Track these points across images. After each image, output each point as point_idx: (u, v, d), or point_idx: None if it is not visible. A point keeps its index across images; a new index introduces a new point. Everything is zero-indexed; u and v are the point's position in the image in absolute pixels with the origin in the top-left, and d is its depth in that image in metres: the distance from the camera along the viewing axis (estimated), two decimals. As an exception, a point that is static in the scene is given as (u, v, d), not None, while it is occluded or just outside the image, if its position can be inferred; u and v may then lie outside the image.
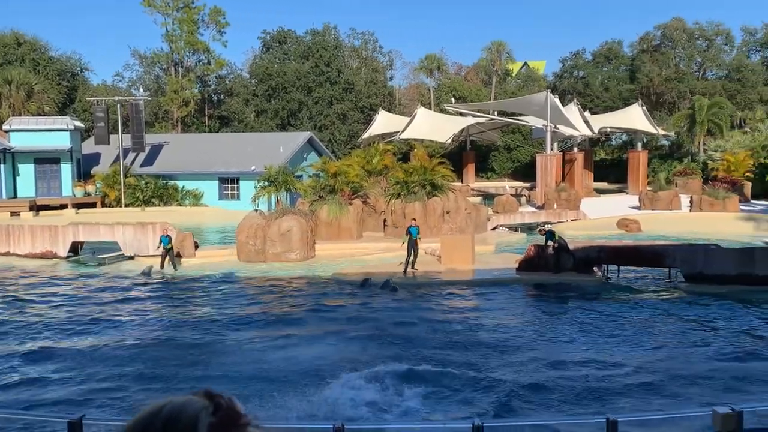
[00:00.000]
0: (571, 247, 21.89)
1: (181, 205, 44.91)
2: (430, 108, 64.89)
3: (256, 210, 27.32)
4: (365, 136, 58.27)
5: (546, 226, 23.09)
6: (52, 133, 43.92)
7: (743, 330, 15.41)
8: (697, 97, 57.42)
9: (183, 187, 45.90)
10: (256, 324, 16.29)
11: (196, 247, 26.73)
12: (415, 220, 24.75)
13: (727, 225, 33.03)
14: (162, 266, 24.20)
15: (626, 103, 61.85)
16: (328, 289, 20.67)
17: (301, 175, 38.34)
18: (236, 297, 19.64)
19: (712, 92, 61.17)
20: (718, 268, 20.32)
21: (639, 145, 54.62)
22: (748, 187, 43.45)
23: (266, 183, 30.08)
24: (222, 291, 20.58)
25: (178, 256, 25.12)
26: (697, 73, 67.15)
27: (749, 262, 20.25)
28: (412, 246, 22.67)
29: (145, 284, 22.04)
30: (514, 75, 78.20)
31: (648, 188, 44.66)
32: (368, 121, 62.84)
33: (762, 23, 68.65)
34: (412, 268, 22.70)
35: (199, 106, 68.19)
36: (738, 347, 13.93)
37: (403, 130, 54.97)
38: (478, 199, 47.50)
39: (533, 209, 41.79)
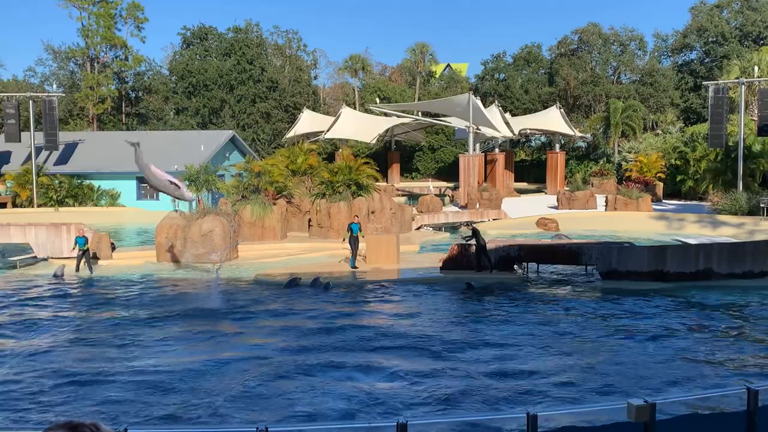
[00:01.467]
0: (492, 246, 22.30)
1: (97, 206, 43.40)
2: (355, 108, 64.93)
3: (176, 210, 26.64)
4: (289, 135, 57.78)
5: (471, 224, 23.54)
6: (-44, 130, 41.66)
7: (657, 325, 16.03)
8: (612, 100, 59.61)
9: (99, 186, 44.36)
10: (162, 327, 15.86)
11: (113, 248, 25.90)
12: (357, 216, 25.27)
13: (641, 224, 34.35)
14: (77, 268, 23.29)
15: (545, 105, 63.61)
16: (250, 291, 20.32)
17: (223, 175, 37.70)
18: (150, 300, 19.03)
19: (626, 95, 63.60)
20: (632, 265, 21.10)
21: (557, 146, 56.21)
22: (660, 187, 45.34)
23: (187, 182, 29.40)
24: (137, 294, 19.93)
25: (95, 258, 24.24)
26: (612, 76, 69.65)
27: (661, 260, 21.12)
28: (354, 241, 23.21)
29: (57, 287, 21.12)
30: (437, 76, 79.20)
31: (566, 188, 46.03)
32: (292, 120, 62.34)
33: (673, 30, 71.87)
34: (352, 266, 23.11)
35: (116, 104, 66.05)
36: (646, 340, 14.48)
37: (328, 130, 54.79)
38: (402, 199, 47.83)
39: (456, 209, 42.40)
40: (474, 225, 24.42)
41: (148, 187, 44.73)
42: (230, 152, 48.50)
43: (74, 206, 42.19)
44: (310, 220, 30.56)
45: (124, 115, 67.19)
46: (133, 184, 44.63)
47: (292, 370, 12.38)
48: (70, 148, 46.89)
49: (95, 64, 64.04)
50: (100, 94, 61.53)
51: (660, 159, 47.48)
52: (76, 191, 43.23)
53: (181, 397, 11.07)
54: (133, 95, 69.90)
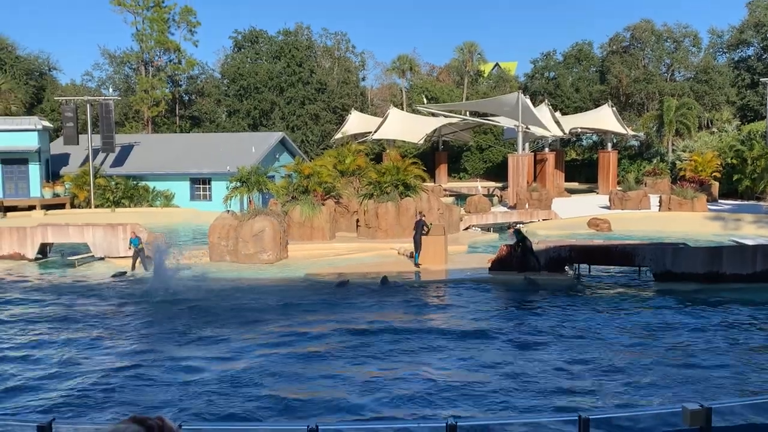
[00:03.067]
0: (542, 246, 22.11)
1: (152, 206, 44.44)
2: (402, 108, 65.00)
3: (228, 210, 27.14)
4: (338, 136, 58.17)
5: (517, 225, 23.40)
6: (19, 133, 43.19)
7: (710, 328, 15.67)
8: (665, 98, 58.26)
9: (154, 187, 45.42)
10: (230, 328, 16.18)
11: (168, 248, 26.45)
12: (422, 213, 25.28)
13: (696, 224, 33.57)
14: (133, 268, 23.95)
15: (596, 103, 62.58)
16: (302, 290, 20.58)
17: (273, 176, 38.16)
18: (213, 297, 19.40)
19: (680, 93, 62.13)
20: (686, 266, 20.66)
21: (609, 145, 55.28)
22: (715, 187, 44.21)
23: (238, 183, 29.89)
24: (197, 292, 20.32)
25: (149, 257, 24.85)
26: (666, 74, 68.14)
27: (717, 261, 20.63)
28: (418, 240, 23.48)
29: (115, 287, 21.73)
30: (485, 76, 78.63)
31: (618, 188, 45.22)
32: (341, 122, 62.75)
33: (728, 26, 69.95)
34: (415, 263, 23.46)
35: (170, 106, 67.53)
36: (704, 347, 14.18)
37: (376, 131, 54.98)
38: (450, 200, 47.65)
39: (505, 209, 42.08)
40: (518, 226, 24.20)
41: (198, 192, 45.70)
42: (280, 153, 49.12)
43: (130, 207, 43.31)
44: (358, 221, 30.74)
45: (177, 118, 68.65)
46: (186, 185, 45.58)
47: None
48: (126, 150, 48.14)
49: (149, 68, 65.58)
50: (155, 97, 62.98)
51: (715, 158, 46.28)
52: (131, 192, 44.37)
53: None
54: (187, 98, 71.35)
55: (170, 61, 67.21)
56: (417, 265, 23.40)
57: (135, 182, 45.11)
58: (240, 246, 25.13)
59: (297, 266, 24.39)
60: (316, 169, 31.09)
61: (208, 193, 45.44)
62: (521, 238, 21.88)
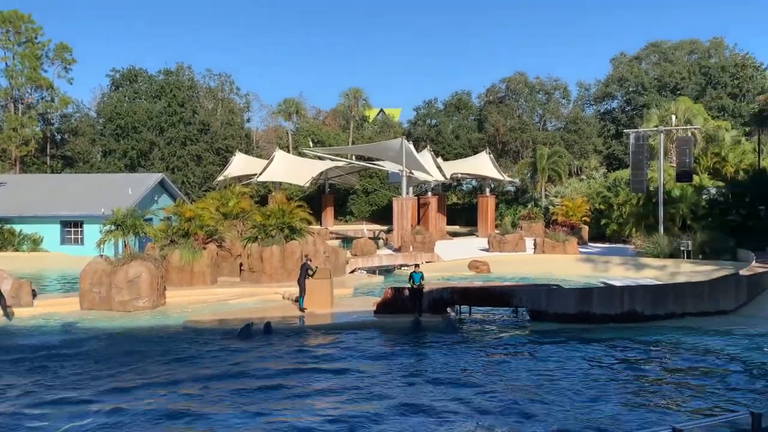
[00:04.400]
0: (425, 289, 22.43)
1: (18, 251, 41.63)
2: (288, 151, 64.85)
3: (102, 255, 25.83)
4: (221, 178, 57.12)
5: (418, 267, 23.58)
6: None
7: (575, 366, 16.35)
8: (538, 147, 61.54)
9: (20, 231, 42.64)
10: (92, 379, 15.24)
11: (35, 295, 24.80)
12: (307, 256, 25.07)
13: (568, 266, 35.22)
14: (5, 315, 22.31)
15: (475, 150, 65.11)
16: (179, 339, 19.75)
17: (152, 219, 36.81)
18: (69, 352, 18.15)
19: (552, 142, 65.80)
20: (559, 306, 21.57)
21: (487, 190, 57.38)
22: (585, 230, 46.69)
23: (113, 227, 28.59)
24: (56, 344, 19.03)
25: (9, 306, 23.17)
26: (539, 123, 72.04)
27: (587, 302, 21.68)
28: (302, 283, 23.18)
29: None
30: (370, 121, 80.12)
31: (496, 231, 46.86)
32: (224, 163, 61.72)
33: (595, 79, 75.13)
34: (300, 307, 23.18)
35: (41, 146, 64.06)
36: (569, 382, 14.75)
37: (261, 173, 54.45)
38: (337, 242, 47.63)
39: (391, 252, 42.55)
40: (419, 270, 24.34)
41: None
42: (159, 195, 47.56)
43: (-7, 251, 40.39)
44: (241, 265, 30.10)
45: (48, 158, 65.14)
46: (57, 228, 43.08)
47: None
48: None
49: (19, 105, 62.16)
50: (24, 136, 59.61)
51: (585, 203, 48.97)
52: (-5, 236, 41.43)
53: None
54: (59, 137, 67.96)
55: (42, 98, 64.04)
56: (302, 309, 23.10)
57: (0, 225, 42.24)
58: (113, 293, 23.92)
59: (175, 313, 23.46)
60: (198, 211, 30.28)
61: (80, 236, 43.16)
62: (420, 279, 22.07)
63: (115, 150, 63.16)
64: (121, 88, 68.12)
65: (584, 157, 66.78)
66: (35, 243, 42.62)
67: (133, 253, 26.62)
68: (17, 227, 42.68)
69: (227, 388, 14.25)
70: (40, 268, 36.52)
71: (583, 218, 47.90)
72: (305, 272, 23.27)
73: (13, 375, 15.63)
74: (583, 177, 61.03)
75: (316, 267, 24.47)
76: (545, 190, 59.58)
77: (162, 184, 48.50)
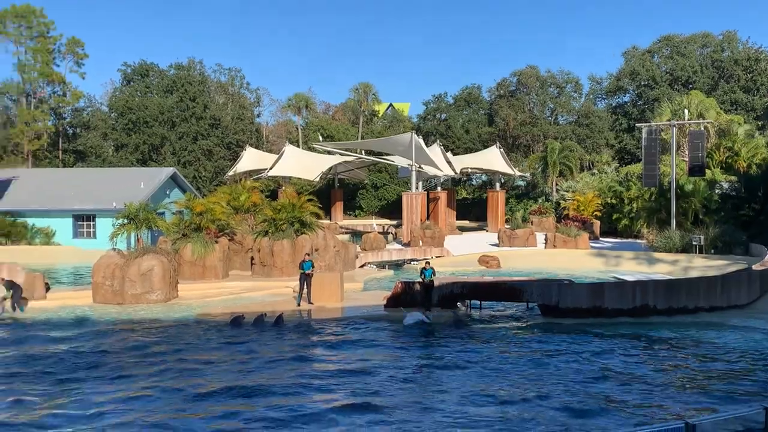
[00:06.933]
0: (435, 283, 22.44)
1: (31, 244, 41.91)
2: (298, 146, 64.95)
3: (114, 249, 25.98)
4: (231, 173, 57.34)
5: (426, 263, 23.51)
6: None
7: (588, 360, 16.32)
8: (549, 141, 61.27)
9: (33, 224, 42.89)
10: (106, 371, 15.36)
11: (48, 288, 24.99)
12: (308, 255, 24.91)
13: (580, 261, 35.08)
14: (14, 309, 22.55)
15: (485, 144, 64.92)
16: (191, 332, 19.86)
17: (164, 212, 37.01)
18: (92, 341, 18.39)
19: (563, 136, 65.51)
20: (571, 301, 21.52)
21: (497, 185, 57.24)
22: (597, 225, 46.51)
23: (125, 220, 28.77)
24: (76, 335, 19.23)
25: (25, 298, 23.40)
26: (550, 118, 71.70)
27: (599, 297, 21.62)
28: (305, 279, 23.09)
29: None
30: (380, 116, 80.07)
31: (506, 226, 46.75)
32: (235, 158, 61.91)
33: (607, 73, 74.72)
34: (308, 302, 23.10)
35: (53, 140, 64.44)
36: (582, 378, 14.74)
37: (272, 168, 54.55)
38: (346, 237, 47.79)
39: (400, 246, 42.56)
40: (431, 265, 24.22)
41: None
42: (171, 189, 47.74)
43: (7, 244, 40.64)
44: (252, 259, 30.19)
45: (60, 152, 65.53)
46: (69, 222, 43.34)
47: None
48: (4, 185, 45.39)
49: (31, 100, 62.52)
50: (36, 130, 59.96)
51: (596, 198, 48.77)
52: (9, 229, 41.64)
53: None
54: (71, 131, 68.36)
55: (54, 93, 64.39)
56: (298, 304, 23.12)
57: (13, 218, 42.47)
58: (127, 286, 24.07)
59: (187, 306, 23.59)
60: (210, 206, 30.40)
61: (92, 230, 43.40)
62: (431, 275, 22.09)
63: (127, 144, 63.48)
64: (132, 83, 68.41)
65: (596, 152, 66.45)
66: (48, 236, 42.88)
67: (145, 247, 26.79)
68: (30, 221, 42.95)
69: (242, 378, 14.33)
70: (53, 262, 36.77)
71: (595, 213, 47.72)
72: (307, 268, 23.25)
73: (29, 368, 15.77)
74: (595, 171, 60.73)
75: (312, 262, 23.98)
76: (556, 185, 59.37)
77: (173, 178, 48.68)
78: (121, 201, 33.06)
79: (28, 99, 62.44)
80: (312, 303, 23.16)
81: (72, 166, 62.49)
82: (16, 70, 60.99)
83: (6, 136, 59.34)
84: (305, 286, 23.34)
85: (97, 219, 43.11)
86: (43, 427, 11.58)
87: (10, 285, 22.96)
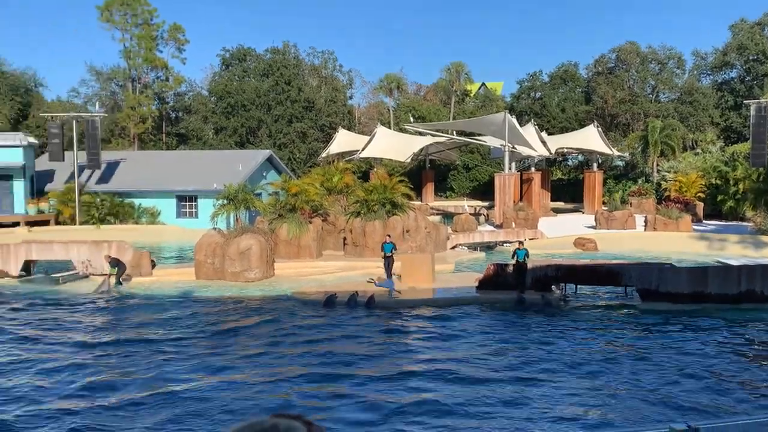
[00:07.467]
0: (528, 266, 22.12)
1: (137, 224, 44.17)
2: (389, 127, 65.23)
3: (215, 228, 26.99)
4: (324, 154, 58.27)
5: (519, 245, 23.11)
6: (4, 150, 42.92)
7: (696, 349, 15.72)
8: (650, 119, 58.89)
9: (140, 204, 45.18)
10: (207, 343, 16.03)
11: (153, 265, 26.30)
12: (389, 236, 24.94)
13: (681, 244, 33.77)
14: (119, 284, 23.92)
15: (582, 124, 63.11)
16: (288, 308, 20.45)
17: (260, 193, 38.09)
18: (192, 316, 19.28)
19: (665, 114, 62.80)
20: (672, 286, 20.74)
21: (594, 165, 55.67)
22: (700, 207, 44.58)
23: (225, 201, 29.79)
24: (179, 310, 20.18)
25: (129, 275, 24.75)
26: (651, 95, 68.87)
27: (702, 281, 20.73)
28: (387, 262, 23.08)
29: (98, 302, 21.52)
30: (472, 95, 79.20)
31: (603, 208, 45.49)
32: (328, 140, 62.88)
33: (712, 48, 70.87)
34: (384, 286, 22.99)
35: (157, 123, 67.40)
36: (691, 366, 14.20)
37: (363, 149, 55.10)
38: (437, 218, 47.74)
39: (492, 228, 42.17)
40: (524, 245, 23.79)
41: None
42: (267, 171, 49.09)
43: (115, 224, 43.01)
44: (345, 239, 30.68)
45: (164, 135, 68.53)
46: (173, 202, 45.38)
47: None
48: (112, 167, 47.93)
49: (136, 85, 65.53)
50: (141, 114, 62.88)
51: (699, 179, 46.70)
52: (117, 209, 44.07)
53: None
54: (173, 115, 71.29)
55: (157, 78, 67.23)
56: (375, 284, 23.08)
57: (120, 199, 44.85)
58: (226, 264, 24.99)
59: (283, 285, 24.26)
60: (304, 187, 31.05)
61: (194, 210, 45.27)
62: (524, 257, 21.79)
63: (225, 127, 65.64)
64: (231, 67, 70.52)
65: (700, 130, 63.36)
66: (153, 216, 45.08)
67: (244, 227, 27.68)
68: (137, 201, 45.24)
69: (332, 357, 14.65)
70: (158, 240, 38.57)
71: (698, 194, 45.71)
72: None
73: (141, 335, 16.69)
74: (698, 151, 58.00)
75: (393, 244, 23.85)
76: (657, 165, 57.11)
77: (270, 160, 50.01)
78: (221, 182, 34.24)
79: (133, 84, 65.51)
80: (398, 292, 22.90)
81: (175, 149, 65.23)
82: (123, 57, 64.09)
83: (112, 120, 62.56)
84: (387, 268, 23.30)
85: (198, 199, 44.92)
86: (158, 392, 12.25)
87: (116, 262, 24.34)
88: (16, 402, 11.81)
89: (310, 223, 29.67)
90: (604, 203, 50.71)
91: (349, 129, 65.39)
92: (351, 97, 78.09)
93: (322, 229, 30.64)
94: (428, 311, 20.11)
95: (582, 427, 10.62)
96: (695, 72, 70.89)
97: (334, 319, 18.90)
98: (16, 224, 41.09)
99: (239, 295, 22.59)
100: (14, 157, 43.01)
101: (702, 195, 45.90)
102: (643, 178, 58.09)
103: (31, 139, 45.39)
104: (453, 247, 34.40)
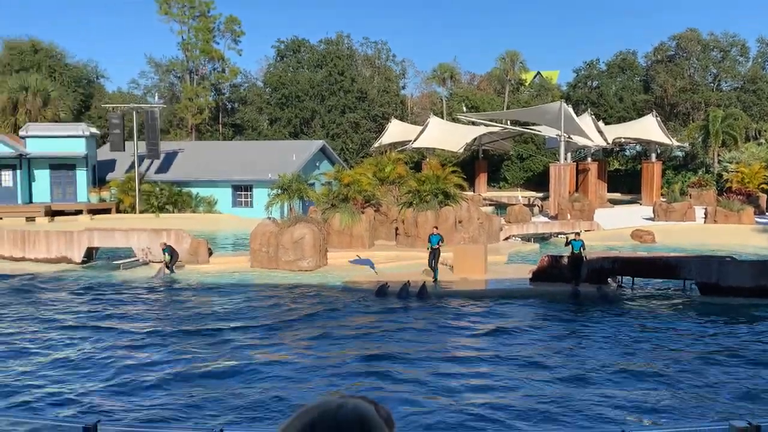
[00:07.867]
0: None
1: (195, 212, 45.14)
2: (442, 117, 64.95)
3: (269, 217, 27.39)
4: (377, 144, 58.38)
5: (576, 234, 22.58)
6: (67, 140, 44.32)
7: (757, 344, 15.27)
8: (711, 109, 57.17)
9: (197, 194, 46.14)
10: (262, 331, 16.32)
11: (210, 253, 26.87)
12: (436, 228, 24.72)
13: (743, 237, 32.79)
14: (171, 271, 24.55)
15: (640, 113, 61.64)
16: (340, 298, 20.65)
17: (314, 183, 38.43)
18: (248, 304, 19.65)
19: (726, 103, 60.88)
20: (733, 280, 20.16)
21: (653, 155, 54.40)
22: (763, 199, 43.20)
23: (279, 191, 30.14)
24: (237, 297, 20.58)
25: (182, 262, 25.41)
26: (712, 84, 66.84)
27: (766, 275, 20.09)
28: (433, 254, 22.79)
29: (158, 289, 22.13)
30: (527, 84, 78.14)
31: (662, 199, 44.47)
32: (380, 130, 62.97)
33: (778, 35, 68.29)
34: (433, 279, 22.67)
35: (214, 114, 68.60)
36: (756, 361, 13.81)
37: (416, 139, 55.02)
38: (490, 209, 47.38)
39: (546, 219, 41.68)
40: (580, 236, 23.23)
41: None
42: (320, 161, 49.48)
43: (174, 212, 44.03)
44: (397, 229, 30.72)
45: (220, 125, 69.72)
46: (228, 192, 46.21)
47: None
48: (171, 156, 49.04)
49: (194, 76, 66.79)
50: (199, 105, 64.09)
51: (763, 169, 45.22)
52: (175, 198, 45.12)
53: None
54: (230, 106, 72.44)
55: (214, 69, 68.39)
56: (434, 280, 22.58)
57: (179, 188, 45.87)
58: (280, 253, 25.34)
59: (336, 274, 24.46)
60: (356, 177, 31.18)
61: (249, 200, 46.01)
62: (580, 248, 21.32)
63: (280, 118, 66.41)
64: (285, 59, 71.23)
65: (764, 120, 61.22)
66: (210, 205, 46.02)
67: (297, 216, 27.99)
68: (194, 190, 46.22)
69: (383, 347, 14.74)
70: (215, 229, 39.32)
71: (761, 186, 44.30)
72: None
73: (200, 324, 17.11)
74: (762, 141, 56.07)
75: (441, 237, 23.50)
76: (718, 156, 55.44)
77: (323, 150, 50.40)
78: (275, 172, 34.68)
79: (191, 76, 66.80)
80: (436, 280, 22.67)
81: (231, 139, 66.33)
82: (181, 49, 65.38)
83: (171, 110, 63.96)
84: (433, 260, 22.84)
85: (253, 189, 45.63)
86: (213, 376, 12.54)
87: (170, 251, 24.99)
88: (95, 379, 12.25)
89: (363, 213, 29.80)
90: (662, 195, 49.54)
91: (401, 119, 65.35)
92: (404, 87, 78.06)
93: (374, 219, 30.74)
94: (480, 302, 20.01)
95: (640, 418, 10.44)
96: (759, 60, 68.42)
97: (385, 308, 18.99)
98: (79, 212, 42.48)
99: (293, 283, 22.90)
100: (77, 147, 44.39)
101: (765, 186, 44.44)
102: (704, 169, 56.50)
103: (93, 130, 46.75)
104: (506, 239, 34.11)
